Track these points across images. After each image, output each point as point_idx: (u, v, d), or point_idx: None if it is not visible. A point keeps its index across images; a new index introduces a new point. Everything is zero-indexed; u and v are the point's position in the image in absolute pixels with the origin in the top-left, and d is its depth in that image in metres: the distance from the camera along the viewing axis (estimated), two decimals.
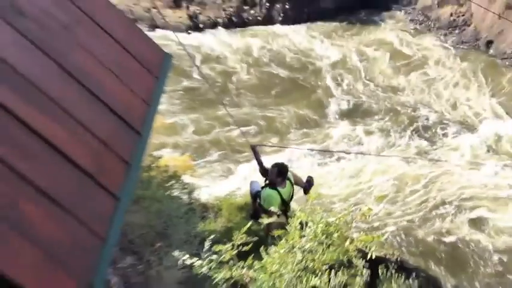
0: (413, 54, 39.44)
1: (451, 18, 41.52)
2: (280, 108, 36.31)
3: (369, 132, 33.54)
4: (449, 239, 28.70)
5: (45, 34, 3.92)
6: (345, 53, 39.68)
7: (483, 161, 31.94)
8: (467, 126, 34.97)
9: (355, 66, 38.63)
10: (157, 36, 39.72)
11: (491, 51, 38.79)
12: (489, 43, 39.14)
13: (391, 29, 41.33)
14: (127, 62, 4.43)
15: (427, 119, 34.73)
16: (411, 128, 34.01)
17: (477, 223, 29.29)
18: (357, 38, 40.73)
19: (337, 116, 34.97)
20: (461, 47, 39.67)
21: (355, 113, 35.26)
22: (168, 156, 27.16)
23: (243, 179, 30.76)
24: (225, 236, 9.93)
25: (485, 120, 35.02)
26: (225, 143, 34.25)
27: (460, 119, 35.40)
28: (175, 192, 19.23)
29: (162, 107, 34.77)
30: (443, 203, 30.34)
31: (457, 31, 40.84)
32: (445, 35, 40.77)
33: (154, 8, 43.02)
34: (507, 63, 37.82)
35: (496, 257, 27.97)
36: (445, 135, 34.28)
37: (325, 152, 32.41)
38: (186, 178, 24.95)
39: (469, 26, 40.63)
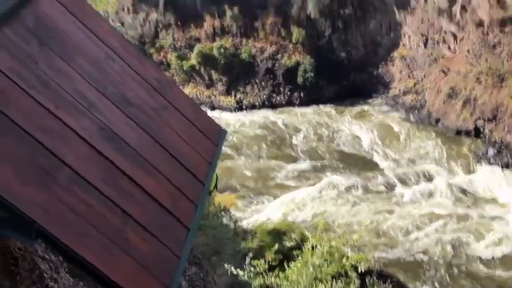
0: (390, 127, 39.36)
1: (412, 103, 41.29)
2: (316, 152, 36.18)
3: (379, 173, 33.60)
4: (411, 255, 28.09)
5: (143, 116, 3.96)
6: (345, 124, 39.71)
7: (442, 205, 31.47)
8: (427, 178, 34.64)
9: (354, 131, 38.68)
10: (215, 113, 40.15)
11: (439, 126, 38.46)
12: (437, 120, 38.84)
13: (373, 109, 41.25)
14: (195, 133, 4.44)
15: (405, 173, 34.58)
16: (395, 177, 33.98)
17: (429, 245, 28.68)
18: (351, 114, 40.66)
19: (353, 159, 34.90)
20: (418, 122, 39.42)
21: (360, 163, 35.21)
22: (219, 195, 27.05)
23: (271, 212, 30.54)
24: (259, 251, 9.84)
25: (440, 172, 34.78)
26: (259, 187, 34.20)
27: (423, 172, 35.13)
28: (225, 221, 19.07)
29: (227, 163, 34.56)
30: (407, 232, 29.86)
31: (416, 111, 40.57)
32: (408, 114, 40.56)
33: (213, 95, 43.61)
34: (450, 134, 37.48)
35: (440, 267, 27.33)
36: (417, 183, 34.02)
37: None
38: (232, 211, 24.81)
39: (424, 108, 40.39)
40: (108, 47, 4.10)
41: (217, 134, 4.51)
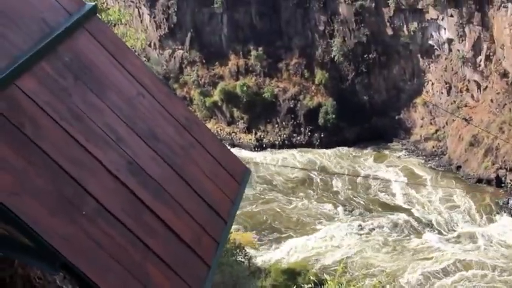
0: (414, 172, 38.99)
1: (433, 149, 41.11)
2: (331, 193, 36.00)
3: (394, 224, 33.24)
4: None
5: (170, 152, 4.02)
6: (365, 167, 39.47)
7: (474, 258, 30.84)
8: (451, 226, 34.15)
9: (381, 175, 38.37)
10: (234, 151, 40.24)
11: (460, 173, 38.12)
12: (458, 167, 38.54)
13: (394, 154, 41.03)
14: (220, 172, 4.47)
15: (431, 220, 34.03)
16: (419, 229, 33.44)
17: None
18: (375, 159, 40.51)
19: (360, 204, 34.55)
20: (439, 169, 39.12)
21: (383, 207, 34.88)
22: (235, 232, 26.95)
23: (286, 252, 30.33)
24: None
25: (463, 220, 34.27)
26: (275, 228, 34.03)
27: (448, 220, 34.63)
28: (240, 258, 18.98)
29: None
30: (427, 278, 29.30)
31: (436, 158, 40.35)
32: (428, 160, 40.32)
33: (233, 132, 43.96)
34: (471, 182, 37.07)
35: None
36: (440, 231, 33.52)
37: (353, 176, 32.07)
38: (247, 249, 24.73)
39: (445, 155, 40.14)
40: (139, 83, 4.19)
41: (242, 173, 4.54)
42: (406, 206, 35.73)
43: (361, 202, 35.79)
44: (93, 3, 4.33)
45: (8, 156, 2.92)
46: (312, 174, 38.89)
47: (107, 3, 21.82)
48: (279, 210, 34.65)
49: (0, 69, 3.19)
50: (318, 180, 38.25)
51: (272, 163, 38.36)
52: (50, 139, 3.21)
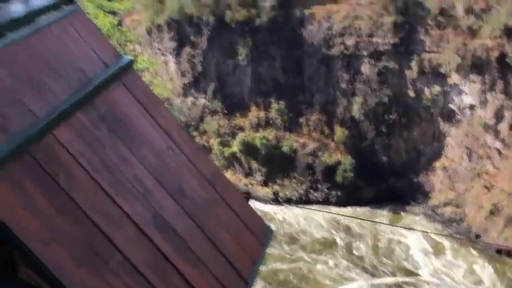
0: (433, 239, 38.16)
1: (451, 215, 40.41)
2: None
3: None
4: None
5: (195, 208, 4.05)
6: (386, 230, 38.81)
7: None
8: None
9: (400, 240, 37.67)
10: (250, 203, 39.96)
11: (479, 242, 37.33)
12: (477, 236, 37.73)
13: (412, 218, 40.34)
14: (243, 231, 4.47)
15: None
16: None
17: None
18: (388, 220, 39.88)
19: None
20: (458, 236, 38.37)
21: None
22: None
23: None
24: None
25: None
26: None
27: None
28: None
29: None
30: None
31: (455, 225, 39.61)
32: (446, 226, 39.62)
33: (250, 184, 43.95)
34: (490, 252, 36.23)
35: None
36: None
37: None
38: None
39: (463, 222, 39.41)
40: (169, 137, 4.27)
41: (265, 233, 4.53)
42: (430, 277, 35.06)
43: (386, 269, 35.23)
44: (131, 58, 4.47)
45: (42, 205, 2.98)
46: (336, 235, 38.54)
47: (135, 51, 22.38)
48: (305, 270, 34.27)
49: (39, 118, 3.28)
50: (343, 242, 37.84)
51: (295, 219, 37.97)
52: (82, 190, 3.27)
